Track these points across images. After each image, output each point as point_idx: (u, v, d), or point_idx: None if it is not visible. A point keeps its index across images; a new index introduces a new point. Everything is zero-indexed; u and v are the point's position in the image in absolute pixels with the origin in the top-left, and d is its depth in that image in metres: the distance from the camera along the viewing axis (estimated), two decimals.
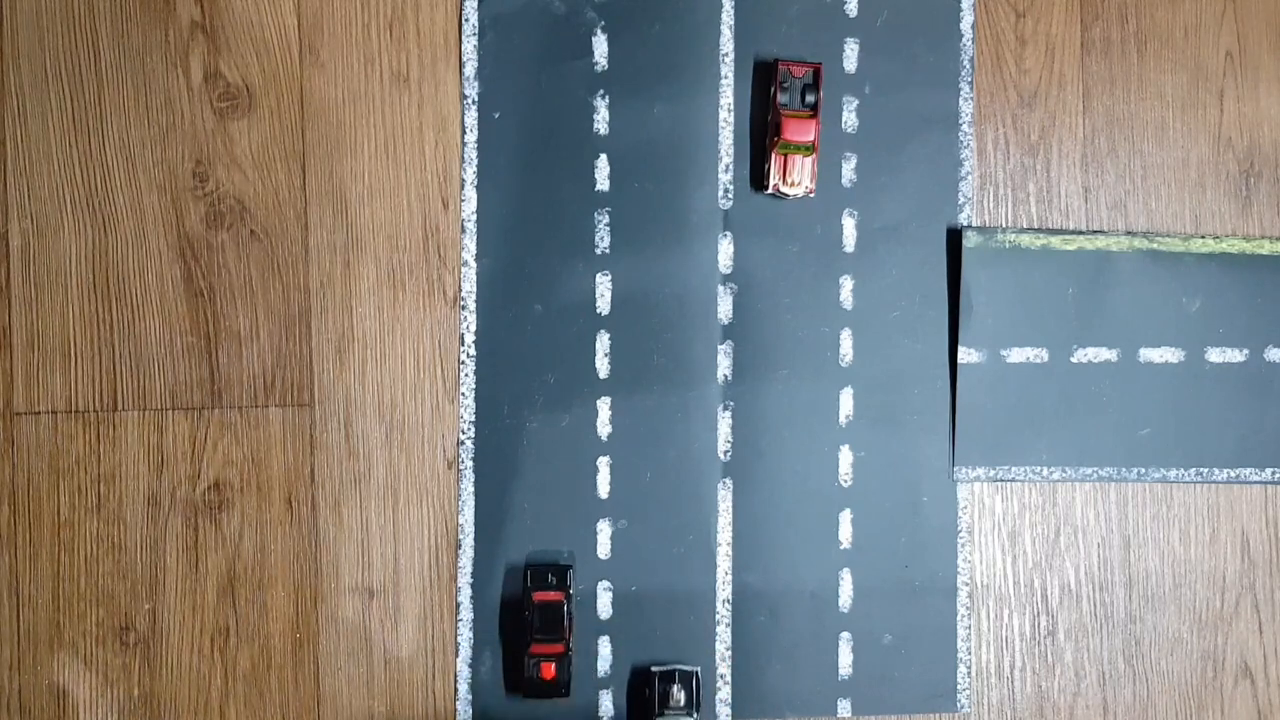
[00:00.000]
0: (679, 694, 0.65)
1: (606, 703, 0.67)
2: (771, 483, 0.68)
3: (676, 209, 0.68)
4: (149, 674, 0.65)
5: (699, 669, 0.66)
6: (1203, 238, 0.70)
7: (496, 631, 0.67)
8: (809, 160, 0.66)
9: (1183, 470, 0.70)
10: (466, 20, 0.67)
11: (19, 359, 0.65)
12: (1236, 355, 0.70)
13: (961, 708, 0.69)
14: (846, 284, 0.69)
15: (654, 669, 0.65)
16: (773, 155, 0.66)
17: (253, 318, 0.66)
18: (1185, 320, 0.70)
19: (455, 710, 0.67)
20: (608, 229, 0.67)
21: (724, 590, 0.68)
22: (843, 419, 0.68)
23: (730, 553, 0.68)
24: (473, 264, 0.67)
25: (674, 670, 0.65)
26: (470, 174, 0.67)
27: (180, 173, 0.66)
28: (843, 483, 0.68)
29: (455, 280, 0.67)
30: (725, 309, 0.68)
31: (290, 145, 0.66)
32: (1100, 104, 0.70)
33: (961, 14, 0.69)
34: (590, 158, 0.68)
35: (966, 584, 0.69)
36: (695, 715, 0.65)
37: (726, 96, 0.68)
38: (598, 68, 0.68)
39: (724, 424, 0.68)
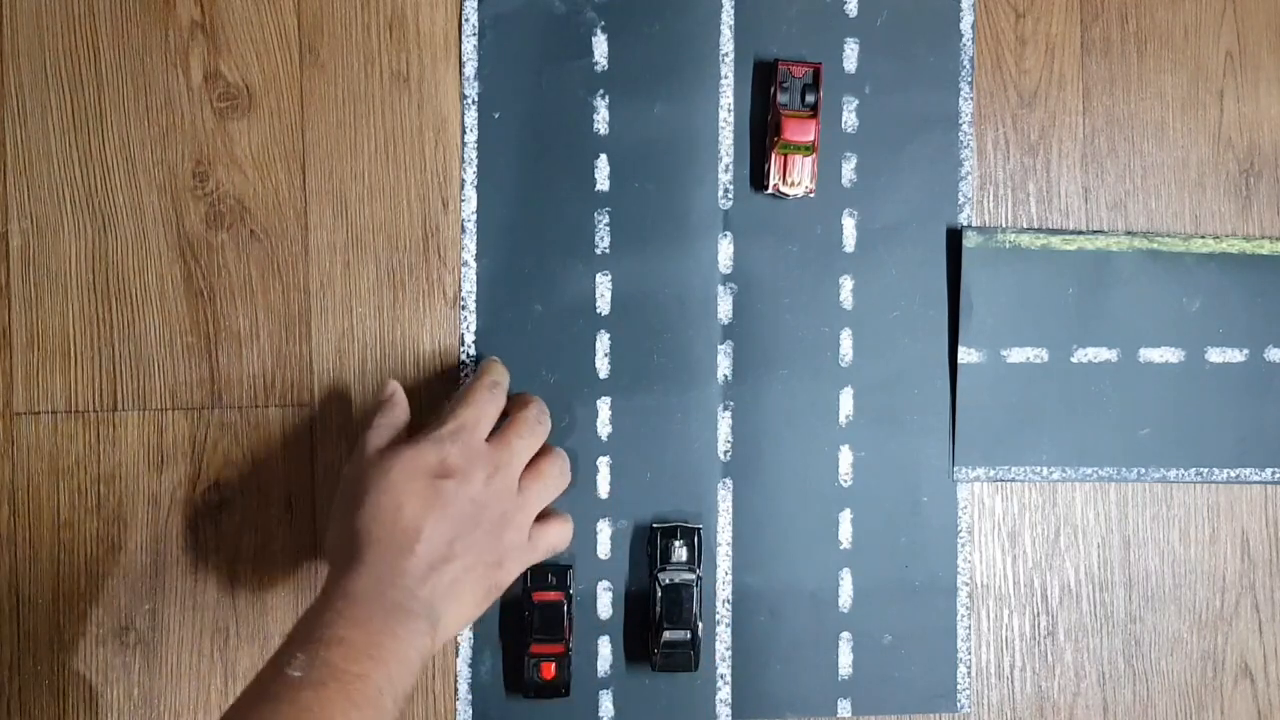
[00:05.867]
0: (680, 549, 0.65)
1: (606, 703, 0.67)
2: (771, 483, 0.68)
3: (676, 209, 0.68)
4: (149, 674, 0.65)
5: (701, 526, 0.66)
6: (1203, 238, 0.70)
7: (496, 631, 0.67)
8: (809, 160, 0.66)
9: (1183, 470, 0.70)
10: (466, 20, 0.67)
11: (19, 359, 0.65)
12: (1236, 355, 0.70)
13: (961, 708, 0.69)
14: (846, 284, 0.69)
15: (655, 525, 0.66)
16: (773, 155, 0.66)
17: (253, 318, 0.66)
18: (1185, 320, 0.70)
19: (455, 710, 0.67)
20: (608, 229, 0.67)
21: (724, 590, 0.68)
22: (843, 419, 0.68)
23: (730, 553, 0.68)
24: (473, 264, 0.67)
25: (676, 526, 0.66)
26: (470, 174, 0.67)
27: (180, 173, 0.66)
28: (843, 483, 0.68)
29: (455, 280, 0.67)
30: (725, 309, 0.68)
31: (290, 145, 0.66)
32: (1100, 104, 0.70)
33: (961, 14, 0.69)
34: (590, 158, 0.68)
35: (966, 584, 0.69)
36: (697, 570, 0.65)
37: (726, 96, 0.68)
38: (598, 68, 0.68)
39: (724, 424, 0.68)
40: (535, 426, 0.62)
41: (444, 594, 0.57)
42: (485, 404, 0.61)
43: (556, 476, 0.63)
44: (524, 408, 0.63)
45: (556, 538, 0.63)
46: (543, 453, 0.63)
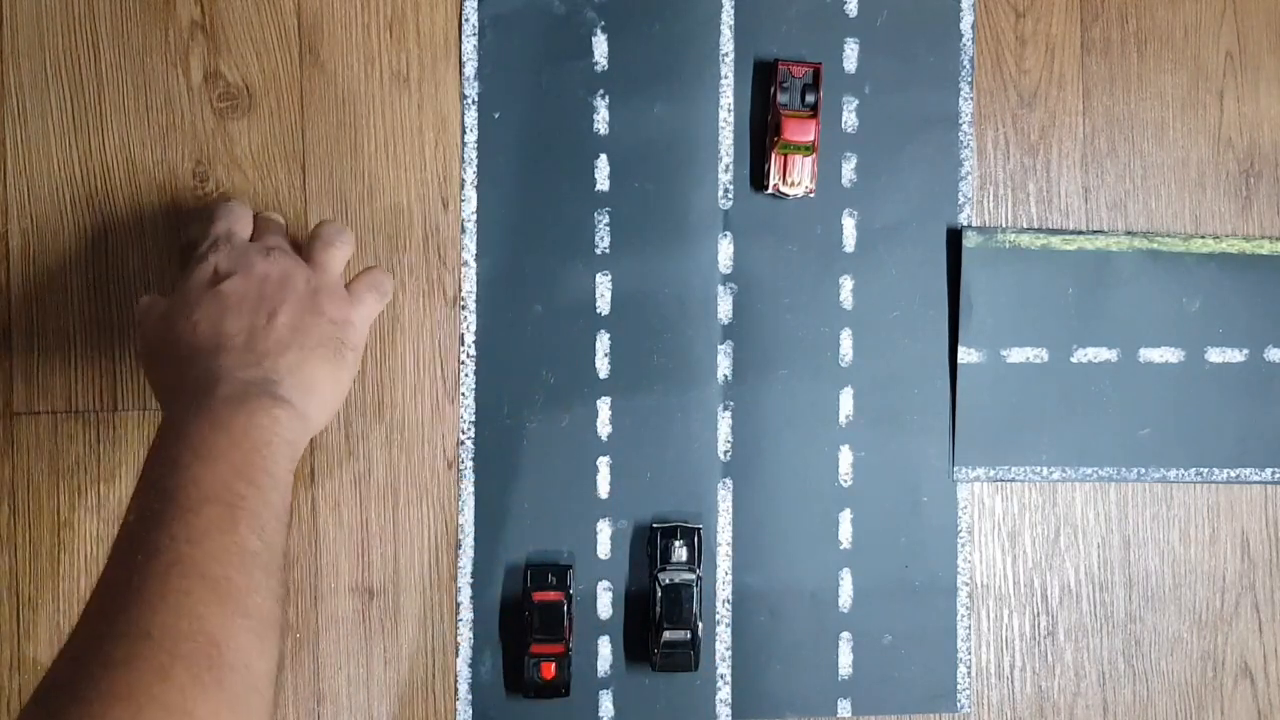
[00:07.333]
0: (680, 549, 0.65)
1: (606, 703, 0.67)
2: (771, 483, 0.68)
3: (676, 209, 0.68)
4: None
5: (701, 526, 0.67)
6: (1203, 238, 0.70)
7: (496, 631, 0.67)
8: (809, 160, 0.66)
9: (1183, 470, 0.70)
10: (466, 20, 0.67)
11: (19, 359, 0.65)
12: (1236, 355, 0.70)
13: (961, 708, 0.69)
14: (846, 284, 0.69)
15: (655, 525, 0.66)
16: (773, 155, 0.66)
17: None
18: (1185, 320, 0.70)
19: (455, 710, 0.67)
20: (608, 229, 0.67)
21: (724, 590, 0.68)
22: (843, 419, 0.68)
23: (730, 553, 0.68)
24: (473, 264, 0.67)
25: (676, 526, 0.66)
26: (470, 174, 0.67)
27: (180, 173, 0.66)
28: (843, 483, 0.68)
29: (455, 280, 0.67)
30: (725, 309, 0.68)
31: (290, 145, 0.66)
32: (1100, 104, 0.70)
33: (961, 14, 0.69)
34: (590, 158, 0.68)
35: (966, 584, 0.69)
36: (697, 570, 0.65)
37: (726, 96, 0.68)
38: (598, 68, 0.68)
39: (724, 424, 0.68)
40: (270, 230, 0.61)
41: (290, 365, 0.55)
42: (227, 214, 0.60)
43: (339, 240, 0.61)
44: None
45: (374, 281, 0.62)
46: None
